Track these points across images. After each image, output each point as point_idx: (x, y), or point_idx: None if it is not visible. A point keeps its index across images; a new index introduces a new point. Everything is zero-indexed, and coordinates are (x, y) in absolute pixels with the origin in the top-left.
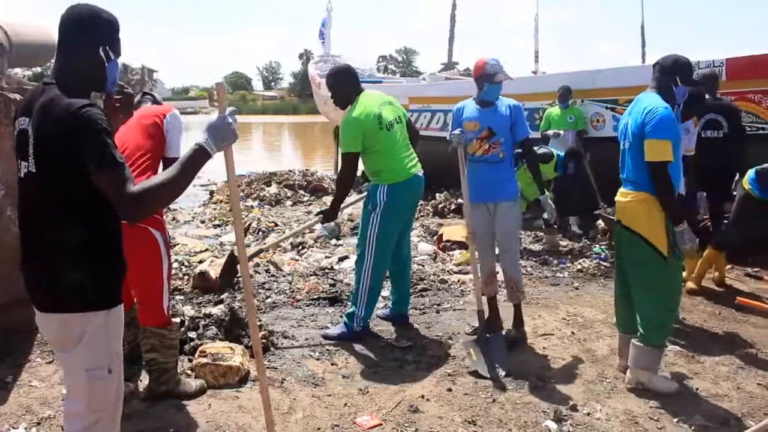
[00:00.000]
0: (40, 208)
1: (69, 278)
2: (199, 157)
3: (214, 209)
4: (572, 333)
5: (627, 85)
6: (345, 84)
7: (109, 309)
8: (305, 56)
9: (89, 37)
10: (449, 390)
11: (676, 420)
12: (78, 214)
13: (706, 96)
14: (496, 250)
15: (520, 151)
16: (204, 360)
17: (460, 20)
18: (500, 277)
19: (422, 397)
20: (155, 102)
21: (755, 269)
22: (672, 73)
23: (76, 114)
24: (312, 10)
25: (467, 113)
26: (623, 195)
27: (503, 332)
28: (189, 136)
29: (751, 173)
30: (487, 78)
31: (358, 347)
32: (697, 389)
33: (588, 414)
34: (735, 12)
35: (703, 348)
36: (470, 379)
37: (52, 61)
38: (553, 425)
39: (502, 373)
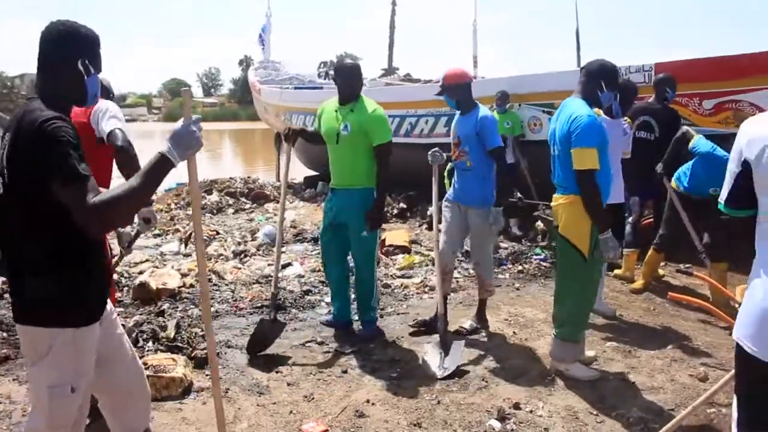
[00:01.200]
0: (11, 221)
1: (36, 292)
2: (162, 165)
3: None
4: (514, 333)
5: (563, 89)
6: (360, 79)
7: (77, 327)
8: (245, 62)
9: (68, 51)
10: (394, 394)
11: (614, 413)
12: (45, 228)
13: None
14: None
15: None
16: (145, 372)
17: (399, 26)
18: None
19: (368, 401)
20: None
21: (686, 265)
22: (598, 78)
23: (41, 127)
24: (251, 15)
25: (454, 121)
26: (555, 199)
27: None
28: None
29: (678, 172)
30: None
31: (302, 354)
32: (634, 383)
33: (531, 411)
34: (666, 17)
35: (639, 343)
36: (415, 382)
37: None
38: (497, 424)
39: (443, 372)
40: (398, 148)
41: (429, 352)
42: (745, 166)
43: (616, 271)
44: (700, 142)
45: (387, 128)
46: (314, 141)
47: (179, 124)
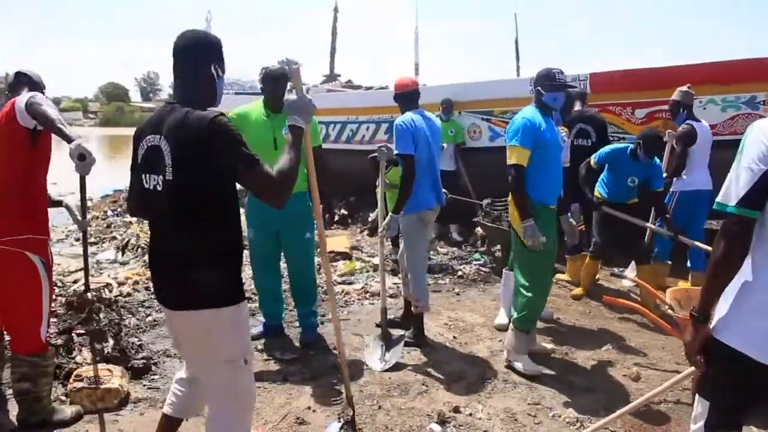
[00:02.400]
0: (177, 215)
1: (204, 278)
2: (298, 133)
3: (90, 226)
4: (454, 337)
5: (502, 97)
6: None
7: (238, 304)
8: None
9: (203, 58)
10: (335, 400)
11: (551, 415)
12: (211, 218)
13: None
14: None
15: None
16: (80, 384)
17: (342, 33)
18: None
19: (308, 408)
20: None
21: (620, 269)
22: (536, 85)
23: (212, 124)
24: (191, 19)
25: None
26: (510, 197)
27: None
28: (61, 149)
29: (599, 180)
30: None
31: None
32: (570, 384)
33: (470, 414)
34: (600, 29)
35: (575, 344)
36: (356, 388)
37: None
38: (437, 428)
39: (384, 365)
40: (339, 154)
41: (370, 345)
42: None
43: (559, 276)
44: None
45: (318, 132)
46: None
47: (294, 96)
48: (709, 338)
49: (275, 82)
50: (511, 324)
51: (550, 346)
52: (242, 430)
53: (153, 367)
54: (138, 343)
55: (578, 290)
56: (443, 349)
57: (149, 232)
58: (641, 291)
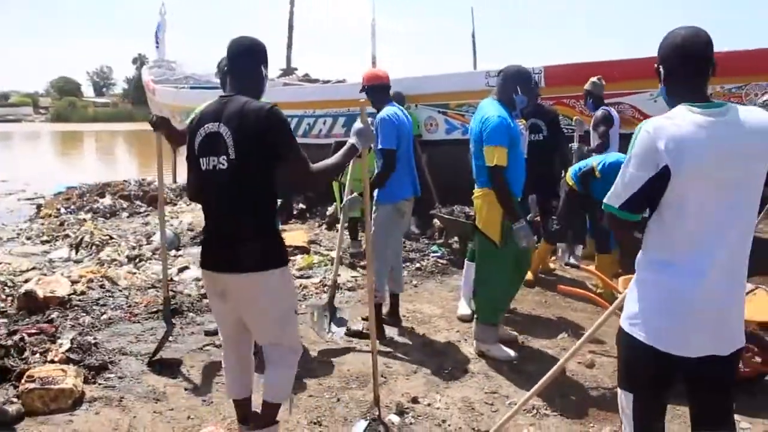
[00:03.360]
0: (236, 190)
1: (258, 244)
2: (352, 151)
3: (42, 224)
4: (412, 329)
5: (458, 90)
6: None
7: (285, 266)
8: (140, 61)
9: (255, 60)
10: (294, 393)
11: (508, 403)
12: (265, 194)
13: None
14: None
15: None
16: (32, 385)
17: (298, 26)
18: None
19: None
20: None
21: (572, 257)
22: (515, 83)
23: (270, 113)
24: (145, 12)
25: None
26: (474, 193)
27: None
28: (11, 145)
29: (573, 169)
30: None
31: (200, 358)
32: (527, 372)
33: (428, 404)
34: (553, 24)
35: (532, 334)
36: (314, 381)
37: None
38: (395, 418)
39: (331, 336)
40: None
41: (315, 314)
42: (664, 171)
43: None
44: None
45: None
46: (178, 137)
47: (360, 125)
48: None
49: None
50: (477, 320)
51: (512, 333)
52: (294, 373)
53: (109, 366)
54: (93, 341)
55: (528, 276)
56: (401, 340)
57: (205, 211)
58: (597, 280)
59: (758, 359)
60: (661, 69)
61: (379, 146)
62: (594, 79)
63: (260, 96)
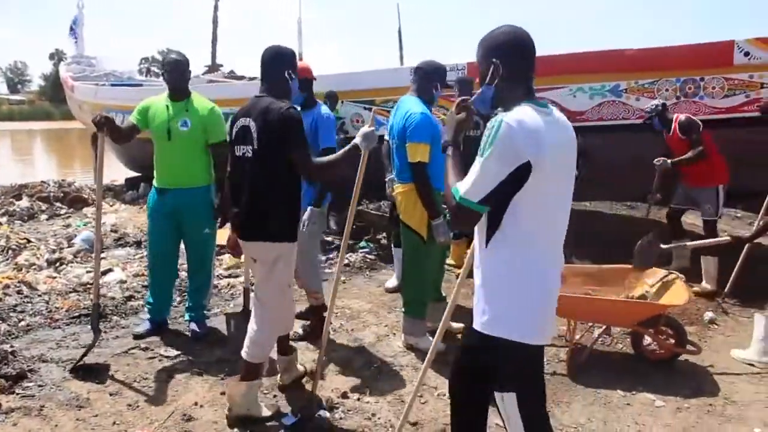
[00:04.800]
0: (258, 174)
1: (274, 218)
2: (354, 151)
3: None
4: (341, 325)
5: (383, 86)
6: (189, 74)
7: (294, 242)
8: (57, 57)
9: (280, 66)
10: (222, 393)
11: (437, 394)
12: (281, 178)
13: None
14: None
15: None
16: None
17: (223, 22)
18: None
19: (196, 404)
20: None
21: None
22: (433, 79)
23: (284, 114)
24: (62, 5)
25: None
26: (396, 188)
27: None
28: None
29: None
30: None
31: (125, 362)
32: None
33: (358, 399)
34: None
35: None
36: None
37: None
38: (325, 413)
39: None
40: (223, 146)
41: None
42: (526, 165)
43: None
44: None
45: (224, 126)
46: (121, 136)
47: (368, 128)
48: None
49: (178, 69)
50: (405, 313)
51: (458, 325)
52: (273, 341)
53: (28, 374)
54: (10, 350)
55: (460, 270)
56: (330, 336)
57: (235, 190)
58: None
59: (672, 341)
60: (500, 67)
61: (323, 146)
62: None
63: (288, 96)
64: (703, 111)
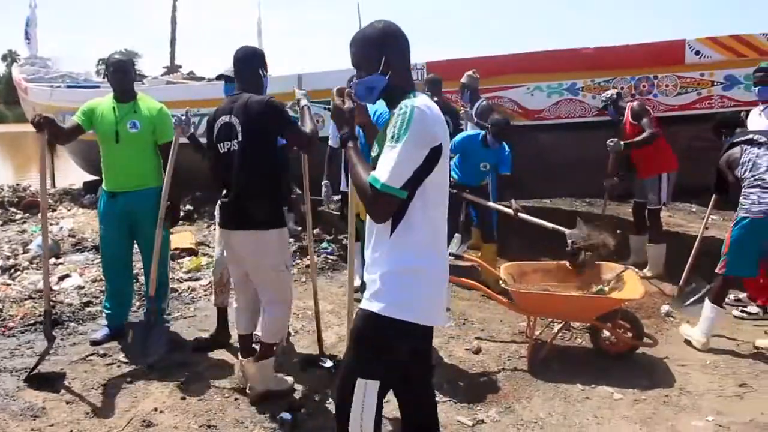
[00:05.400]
0: (245, 166)
1: (269, 208)
2: (306, 113)
3: None
4: (303, 326)
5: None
6: (134, 75)
7: (282, 228)
8: (10, 58)
9: (253, 64)
10: (183, 398)
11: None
12: (266, 168)
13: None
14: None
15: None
16: None
17: (183, 23)
18: None
19: (155, 409)
20: None
21: (457, 250)
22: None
23: (268, 103)
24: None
25: None
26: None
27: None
28: None
29: (453, 162)
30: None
31: (83, 369)
32: None
33: (320, 400)
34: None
35: None
36: (204, 385)
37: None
38: (287, 416)
39: (149, 360)
40: (182, 147)
41: (131, 336)
42: (437, 149)
43: None
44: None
45: (172, 126)
46: (63, 137)
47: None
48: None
49: (122, 70)
50: None
51: None
52: (286, 319)
53: None
54: None
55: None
56: (292, 338)
57: (224, 186)
58: (481, 269)
59: (630, 334)
60: (388, 59)
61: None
62: (469, 72)
63: (261, 92)
64: (657, 108)
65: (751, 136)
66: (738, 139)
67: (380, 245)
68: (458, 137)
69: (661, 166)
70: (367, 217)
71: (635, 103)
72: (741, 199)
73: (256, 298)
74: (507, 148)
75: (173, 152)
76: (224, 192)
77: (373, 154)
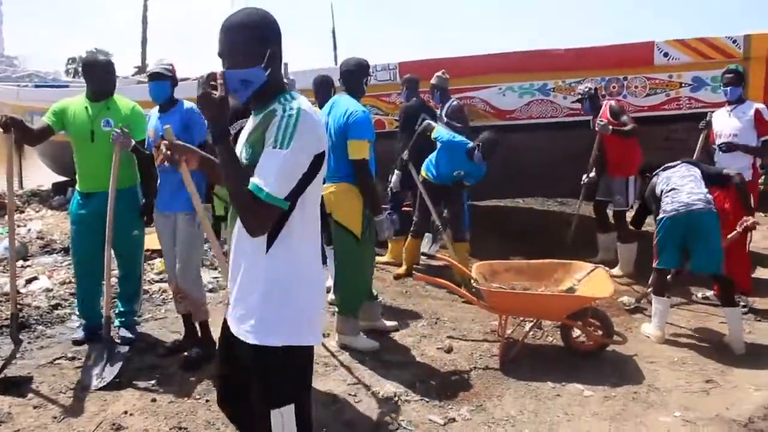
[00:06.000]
0: None
1: None
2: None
3: None
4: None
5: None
6: (115, 75)
7: None
8: None
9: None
10: (153, 401)
11: (370, 392)
12: None
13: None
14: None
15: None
16: None
17: (155, 23)
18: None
19: (125, 413)
20: None
21: (430, 249)
22: (361, 76)
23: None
24: None
25: (151, 120)
26: (327, 188)
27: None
28: None
29: (427, 162)
30: (149, 75)
31: (51, 372)
32: (388, 361)
33: None
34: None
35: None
36: (175, 387)
37: None
38: None
39: (99, 383)
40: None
41: (92, 357)
42: (321, 155)
43: (379, 258)
44: (441, 131)
45: (146, 125)
46: (32, 138)
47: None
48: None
49: (101, 70)
50: (339, 313)
51: (392, 323)
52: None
53: None
54: None
55: (402, 269)
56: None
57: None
58: (453, 269)
59: (600, 332)
60: (273, 52)
61: (198, 141)
62: (439, 73)
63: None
64: (627, 109)
65: (666, 165)
66: (656, 171)
67: (255, 264)
68: (449, 137)
69: (632, 169)
70: (236, 232)
71: (613, 102)
72: (660, 209)
73: None
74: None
75: (116, 164)
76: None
77: (243, 159)
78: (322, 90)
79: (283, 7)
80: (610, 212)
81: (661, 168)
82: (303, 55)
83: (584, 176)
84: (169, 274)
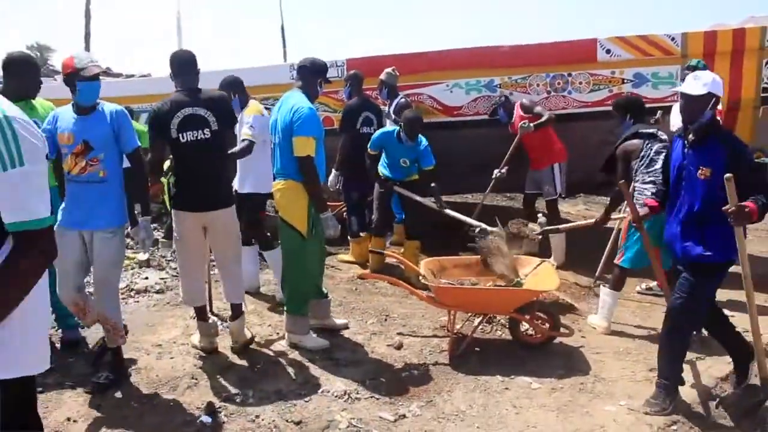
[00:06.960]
0: (217, 151)
1: (229, 187)
2: None
3: None
4: (225, 327)
5: (262, 84)
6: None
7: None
8: None
9: (195, 66)
10: (99, 406)
11: (320, 391)
12: (226, 152)
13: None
14: (83, 284)
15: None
16: None
17: (99, 17)
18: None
19: (68, 419)
20: None
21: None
22: (317, 74)
23: (226, 98)
24: None
25: (62, 123)
26: (275, 186)
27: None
28: None
29: (383, 161)
30: (76, 75)
31: None
32: (338, 360)
33: (241, 402)
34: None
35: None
36: (122, 391)
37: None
38: (207, 419)
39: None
40: None
41: None
42: None
43: (341, 257)
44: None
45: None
46: None
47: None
48: None
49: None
50: (287, 312)
51: (342, 321)
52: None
53: None
54: None
55: (366, 271)
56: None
57: (187, 170)
58: (403, 265)
59: (546, 326)
60: None
61: (129, 150)
62: (388, 70)
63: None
64: (572, 105)
65: (653, 131)
66: (643, 131)
67: None
68: (376, 134)
69: (554, 158)
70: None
71: (523, 100)
72: (635, 194)
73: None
74: (424, 141)
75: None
76: (185, 178)
77: None
78: (354, 84)
79: (231, 3)
80: (541, 203)
81: (649, 130)
82: (252, 52)
83: (496, 171)
84: (65, 294)
